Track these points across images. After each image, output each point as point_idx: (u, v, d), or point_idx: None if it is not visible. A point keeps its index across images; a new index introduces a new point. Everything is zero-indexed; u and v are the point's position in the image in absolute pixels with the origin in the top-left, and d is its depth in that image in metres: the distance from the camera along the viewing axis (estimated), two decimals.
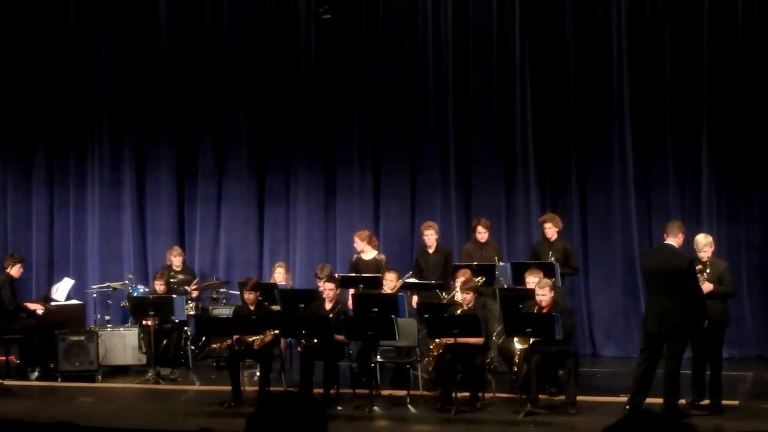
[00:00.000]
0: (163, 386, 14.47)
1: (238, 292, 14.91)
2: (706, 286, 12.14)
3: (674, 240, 12.02)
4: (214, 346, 13.89)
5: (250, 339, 13.10)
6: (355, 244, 15.78)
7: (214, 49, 18.29)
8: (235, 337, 13.12)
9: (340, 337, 13.04)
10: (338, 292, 13.83)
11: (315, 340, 12.94)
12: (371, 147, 17.82)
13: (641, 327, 12.29)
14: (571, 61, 17.02)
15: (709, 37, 16.51)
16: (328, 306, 13.56)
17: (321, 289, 14.10)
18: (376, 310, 13.23)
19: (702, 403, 12.31)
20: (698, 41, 16.57)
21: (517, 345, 12.53)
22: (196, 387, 14.47)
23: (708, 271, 12.31)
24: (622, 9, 16.81)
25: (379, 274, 14.76)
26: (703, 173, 16.55)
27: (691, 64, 16.61)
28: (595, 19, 16.99)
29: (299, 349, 13.28)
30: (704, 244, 12.51)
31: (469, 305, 12.89)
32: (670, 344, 11.69)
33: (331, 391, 13.02)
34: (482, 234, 15.47)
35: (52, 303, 16.00)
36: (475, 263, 14.72)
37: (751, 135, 16.39)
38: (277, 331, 13.19)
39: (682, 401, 12.09)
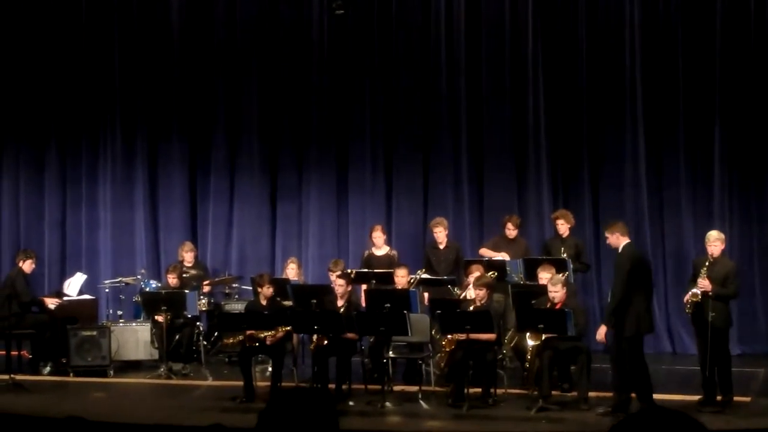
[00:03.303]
0: (175, 381, 14.49)
1: (251, 288, 14.91)
2: (704, 283, 12.09)
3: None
4: (227, 341, 13.90)
5: (262, 335, 13.10)
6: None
7: (226, 45, 18.29)
8: (247, 332, 13.14)
9: (352, 335, 13.03)
10: (349, 288, 13.82)
11: (325, 341, 12.94)
12: (383, 143, 17.81)
13: (640, 327, 12.16)
14: (584, 58, 17.00)
15: (722, 36, 16.47)
16: (339, 302, 13.57)
17: (333, 284, 14.09)
18: (389, 305, 13.23)
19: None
20: (711, 40, 16.53)
21: (530, 341, 12.53)
22: (209, 382, 14.48)
23: (706, 265, 12.25)
24: (635, 8, 16.79)
25: (392, 270, 14.76)
26: (715, 172, 16.52)
27: (703, 62, 16.59)
28: (607, 18, 16.97)
29: (311, 347, 13.27)
30: (715, 238, 12.45)
31: (482, 301, 12.88)
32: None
33: (343, 387, 13.04)
34: (511, 231, 15.48)
35: (65, 298, 16.02)
36: (486, 258, 14.74)
37: (763, 135, 16.37)
38: (289, 327, 13.21)
39: (695, 398, 12.14)
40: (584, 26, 17.02)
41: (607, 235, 12.40)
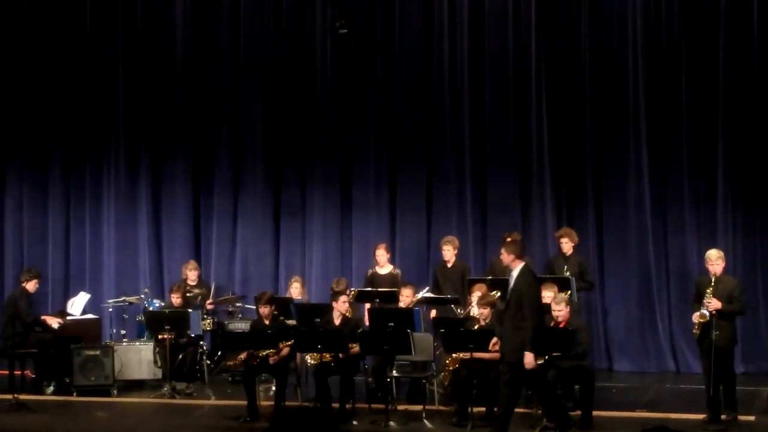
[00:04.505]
0: (178, 401, 14.46)
1: (254, 307, 14.91)
2: (714, 303, 12.07)
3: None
4: (230, 363, 13.88)
5: (263, 354, 13.07)
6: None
7: (229, 64, 18.32)
8: (246, 353, 13.12)
9: (355, 350, 13.02)
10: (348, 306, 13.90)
11: (328, 356, 12.94)
12: (387, 161, 17.81)
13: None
14: (587, 76, 17.01)
15: (725, 54, 16.47)
16: (336, 321, 13.55)
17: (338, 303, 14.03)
18: (392, 324, 13.21)
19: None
20: (714, 58, 16.51)
21: None
22: (212, 402, 14.42)
23: (711, 285, 12.21)
24: (638, 27, 16.79)
25: (395, 289, 14.74)
26: (719, 190, 16.49)
27: (706, 80, 16.57)
28: (611, 37, 16.97)
29: (308, 359, 13.26)
30: (716, 257, 12.40)
31: (486, 320, 12.87)
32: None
33: (347, 406, 13.02)
34: None
35: (68, 317, 16.01)
36: (489, 277, 14.70)
37: (766, 151, 16.35)
38: (290, 343, 13.18)
39: (700, 416, 12.14)
40: (587, 45, 17.03)
41: (503, 252, 11.96)
